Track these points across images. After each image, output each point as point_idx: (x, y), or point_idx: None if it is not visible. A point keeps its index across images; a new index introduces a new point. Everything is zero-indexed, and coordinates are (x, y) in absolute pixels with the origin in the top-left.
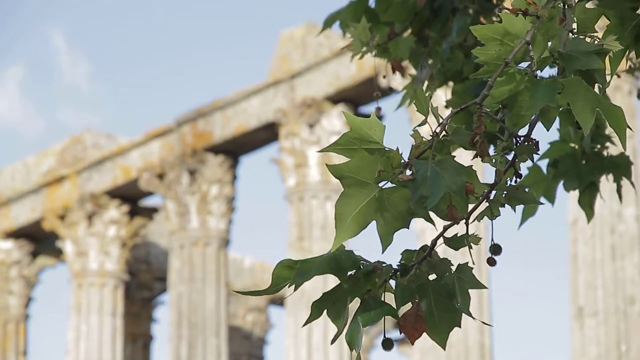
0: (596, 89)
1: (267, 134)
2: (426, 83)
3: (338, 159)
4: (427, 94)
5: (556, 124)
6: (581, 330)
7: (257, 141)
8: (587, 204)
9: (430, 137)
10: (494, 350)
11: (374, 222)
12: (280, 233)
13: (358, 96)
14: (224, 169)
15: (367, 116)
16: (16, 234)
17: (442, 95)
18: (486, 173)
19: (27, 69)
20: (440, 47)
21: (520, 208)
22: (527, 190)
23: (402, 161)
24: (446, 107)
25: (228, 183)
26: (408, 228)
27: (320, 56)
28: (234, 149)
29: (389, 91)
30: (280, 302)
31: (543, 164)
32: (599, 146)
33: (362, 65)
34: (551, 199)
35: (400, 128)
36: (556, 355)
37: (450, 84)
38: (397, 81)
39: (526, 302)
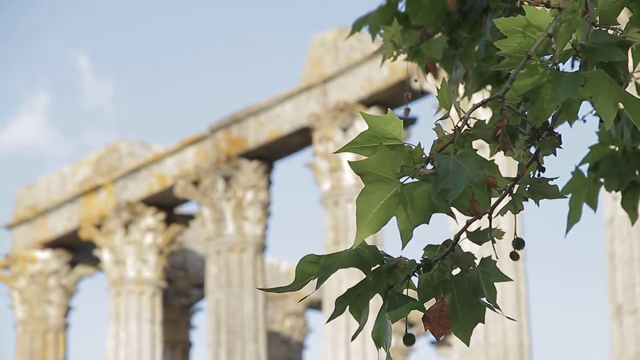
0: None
1: (300, 138)
2: (462, 87)
3: None
4: (456, 93)
5: (595, 126)
6: (620, 328)
7: (291, 146)
8: (630, 205)
9: (453, 131)
10: (532, 350)
11: (393, 219)
12: (316, 237)
13: (391, 99)
14: (259, 175)
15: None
16: (54, 244)
17: (476, 99)
18: (508, 169)
19: (54, 93)
20: (472, 49)
21: (557, 213)
22: (550, 183)
23: (424, 156)
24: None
25: (263, 188)
26: (428, 223)
27: (352, 60)
28: (268, 155)
29: (422, 94)
30: (318, 306)
31: (584, 169)
32: (639, 145)
33: (394, 68)
34: (593, 204)
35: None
36: (595, 353)
37: (488, 87)
38: (430, 83)
39: (565, 301)
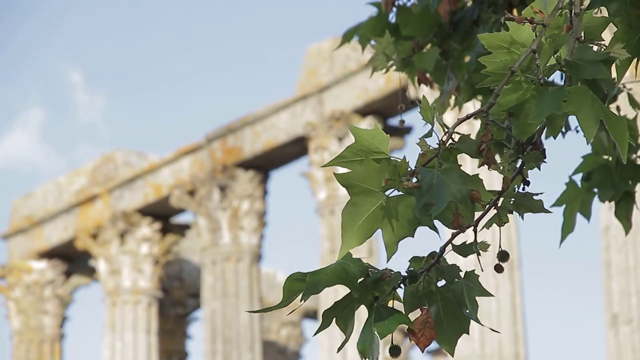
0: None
1: (296, 148)
2: (453, 97)
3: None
4: (447, 105)
5: None
6: (616, 337)
7: (286, 155)
8: (623, 215)
9: (437, 146)
10: None
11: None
12: (313, 247)
13: (386, 108)
14: (255, 184)
15: (394, 129)
16: (49, 254)
17: (471, 109)
18: (495, 180)
19: (47, 109)
20: (463, 60)
21: (553, 223)
22: (535, 198)
23: (409, 169)
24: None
25: (259, 198)
26: (413, 236)
27: (348, 69)
28: (264, 164)
29: (416, 104)
30: (314, 315)
31: (578, 179)
32: (633, 155)
33: (390, 78)
34: (587, 214)
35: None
36: None
37: (479, 97)
38: (425, 92)
39: (561, 310)
